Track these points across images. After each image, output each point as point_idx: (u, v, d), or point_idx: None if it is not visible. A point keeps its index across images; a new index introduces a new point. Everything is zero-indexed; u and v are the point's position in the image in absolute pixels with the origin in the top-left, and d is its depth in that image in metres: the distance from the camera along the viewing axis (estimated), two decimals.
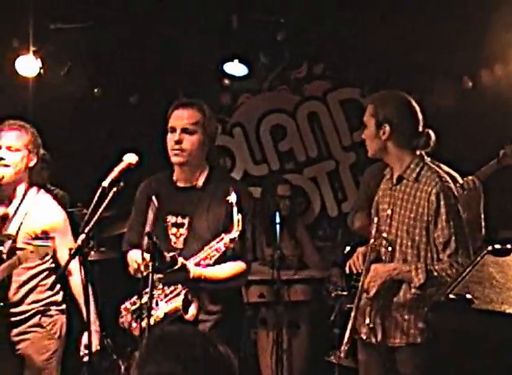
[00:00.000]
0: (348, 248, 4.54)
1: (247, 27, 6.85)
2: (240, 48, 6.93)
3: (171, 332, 2.33)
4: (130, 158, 3.88)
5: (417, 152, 4.07)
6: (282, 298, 5.91)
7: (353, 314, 4.08)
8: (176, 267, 3.89)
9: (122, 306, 4.22)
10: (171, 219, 4.19)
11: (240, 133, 7.45)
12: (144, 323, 3.90)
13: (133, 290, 4.10)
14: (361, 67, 6.91)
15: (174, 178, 4.25)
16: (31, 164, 4.52)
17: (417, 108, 4.06)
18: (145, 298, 3.97)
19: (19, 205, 4.48)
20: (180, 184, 4.24)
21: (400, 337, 4.04)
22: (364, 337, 4.13)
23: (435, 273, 3.89)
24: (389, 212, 4.10)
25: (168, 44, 7.13)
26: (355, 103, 7.09)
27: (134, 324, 4.09)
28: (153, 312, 3.97)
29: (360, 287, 4.07)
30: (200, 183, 4.19)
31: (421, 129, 4.06)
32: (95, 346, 4.34)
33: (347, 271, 4.25)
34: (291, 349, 6.05)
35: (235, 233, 3.94)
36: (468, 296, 3.77)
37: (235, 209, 3.92)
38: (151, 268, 3.74)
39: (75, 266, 3.95)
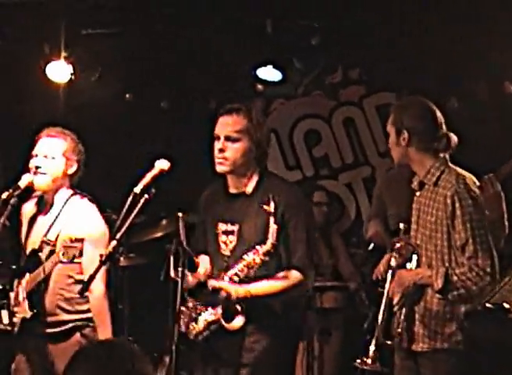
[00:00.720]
0: (371, 246, 4.49)
1: (281, 32, 6.80)
2: (274, 53, 6.88)
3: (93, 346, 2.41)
4: (162, 164, 3.84)
5: (441, 155, 4.05)
6: (315, 305, 5.86)
7: (379, 320, 4.05)
8: (207, 291, 3.88)
9: (182, 308, 4.06)
10: (221, 226, 4.13)
11: (273, 138, 7.39)
12: (193, 327, 3.93)
13: (161, 295, 4.04)
14: (397, 72, 6.84)
15: (227, 185, 4.17)
16: (70, 171, 4.48)
17: (437, 112, 4.06)
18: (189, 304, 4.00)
19: (60, 211, 4.46)
20: (232, 191, 4.16)
21: (427, 343, 3.98)
22: (394, 342, 4.08)
23: (455, 278, 3.85)
24: (415, 218, 4.10)
25: (201, 49, 7.10)
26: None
27: (191, 326, 4.02)
28: (200, 317, 3.97)
29: (386, 293, 4.06)
30: (249, 189, 4.09)
31: (441, 132, 4.03)
32: None
33: (374, 278, 4.30)
34: (322, 356, 6.04)
35: (268, 246, 3.84)
36: (506, 305, 3.70)
37: (272, 219, 3.83)
38: (180, 274, 3.70)
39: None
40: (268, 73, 6.88)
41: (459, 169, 4.05)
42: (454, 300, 3.91)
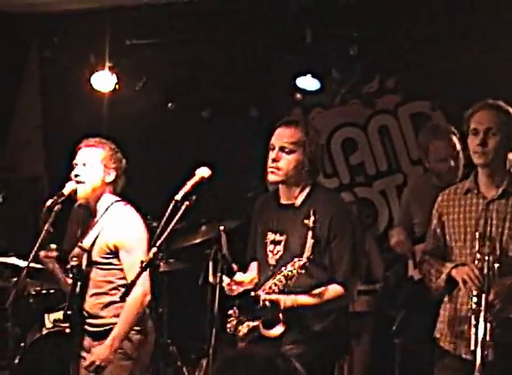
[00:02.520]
0: None
1: (320, 42, 6.87)
2: (312, 62, 6.96)
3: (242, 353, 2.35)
4: (203, 172, 3.90)
5: None
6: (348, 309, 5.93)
7: (481, 335, 3.80)
8: (259, 306, 3.88)
9: (230, 311, 4.18)
10: (270, 236, 4.16)
11: None
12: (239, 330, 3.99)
13: (200, 299, 4.16)
14: (432, 80, 6.85)
15: (279, 195, 4.22)
16: (109, 179, 4.54)
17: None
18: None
19: (99, 218, 4.53)
20: (283, 201, 4.20)
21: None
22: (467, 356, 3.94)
23: None
24: (489, 227, 3.95)
25: (242, 59, 7.20)
26: (424, 116, 7.07)
27: (239, 328, 4.08)
28: (245, 322, 4.03)
29: (485, 305, 3.82)
30: (298, 201, 4.11)
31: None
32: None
33: (463, 289, 3.95)
34: (353, 358, 6.08)
35: (304, 260, 3.85)
36: None
37: (310, 234, 3.85)
38: (218, 280, 3.80)
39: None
40: (307, 83, 6.98)
41: None
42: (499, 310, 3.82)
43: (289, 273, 3.90)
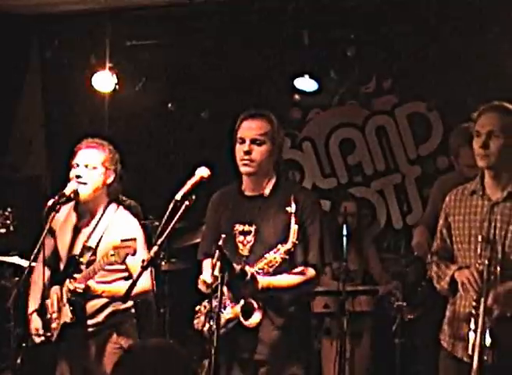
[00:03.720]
0: None
1: (318, 43, 6.93)
2: (310, 63, 6.99)
3: (136, 349, 2.41)
4: (202, 171, 3.91)
5: None
6: (347, 308, 5.97)
7: (478, 339, 3.79)
8: (247, 279, 3.91)
9: (197, 308, 4.26)
10: (238, 227, 4.19)
11: (310, 147, 7.54)
12: (212, 327, 3.87)
13: (200, 299, 4.20)
14: (428, 81, 6.92)
15: (242, 187, 4.27)
16: (109, 181, 4.57)
17: None
18: (214, 302, 3.99)
19: (100, 219, 4.55)
20: (248, 193, 4.24)
21: None
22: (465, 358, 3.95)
23: None
24: (493, 230, 3.91)
25: (240, 61, 7.25)
26: (421, 117, 7.13)
27: (207, 326, 4.11)
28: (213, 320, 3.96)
29: (483, 310, 3.80)
30: (267, 191, 4.19)
31: None
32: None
33: (462, 292, 3.95)
34: (354, 358, 6.13)
35: (289, 244, 3.96)
36: None
37: (293, 220, 3.95)
38: (220, 280, 3.77)
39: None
40: (305, 83, 7.02)
41: None
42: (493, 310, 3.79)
43: (273, 259, 3.99)
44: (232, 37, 7.13)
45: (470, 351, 3.81)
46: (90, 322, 4.52)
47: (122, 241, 4.17)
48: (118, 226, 4.51)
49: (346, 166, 7.49)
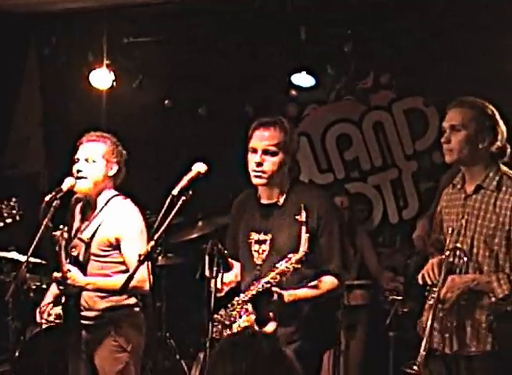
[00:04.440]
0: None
1: (315, 39, 6.92)
2: (307, 59, 6.99)
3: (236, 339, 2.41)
4: (199, 167, 3.92)
5: (498, 161, 4.00)
6: (342, 302, 6.00)
7: (429, 326, 3.93)
8: (274, 298, 3.89)
9: (215, 316, 4.09)
10: (254, 236, 4.16)
11: (306, 142, 7.54)
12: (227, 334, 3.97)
13: (197, 293, 4.19)
14: (426, 77, 6.91)
15: (258, 195, 4.22)
16: (111, 173, 4.58)
17: (499, 120, 4.00)
18: (229, 310, 4.03)
19: (99, 212, 4.57)
20: (263, 201, 4.19)
21: (477, 345, 3.92)
22: (437, 347, 4.03)
23: None
24: (463, 221, 3.99)
25: (237, 57, 7.26)
26: (418, 112, 7.14)
27: (225, 333, 4.07)
28: (234, 324, 4.02)
29: (437, 298, 3.92)
30: (281, 200, 4.13)
31: (503, 140, 3.99)
32: None
33: (421, 282, 4.07)
34: (348, 351, 6.16)
35: (300, 254, 3.87)
36: None
37: (303, 229, 3.87)
38: (215, 273, 3.79)
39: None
40: (302, 79, 7.01)
41: None
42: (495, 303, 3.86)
43: (285, 269, 3.90)
44: (230, 33, 7.13)
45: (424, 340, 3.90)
46: (88, 314, 4.54)
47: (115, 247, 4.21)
48: (117, 219, 4.52)
49: (343, 161, 7.49)
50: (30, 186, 7.40)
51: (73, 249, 4.49)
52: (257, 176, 4.08)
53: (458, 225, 4.01)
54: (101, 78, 7.16)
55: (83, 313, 4.53)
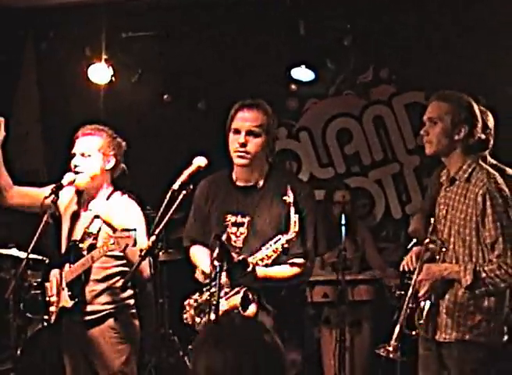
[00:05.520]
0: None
1: (314, 33, 6.91)
2: (307, 53, 6.99)
3: (222, 323, 2.38)
4: (200, 161, 3.95)
5: (474, 153, 4.08)
6: (346, 297, 5.98)
7: (403, 311, 4.12)
8: (249, 270, 3.92)
9: (186, 302, 4.24)
10: (231, 218, 4.18)
11: (307, 137, 7.51)
12: (207, 318, 3.94)
13: (198, 289, 4.20)
14: (427, 71, 6.89)
15: (234, 177, 4.25)
16: (108, 166, 4.59)
17: (477, 111, 4.07)
18: (205, 295, 4.06)
19: (100, 207, 4.56)
20: (240, 183, 4.23)
21: (450, 334, 4.04)
22: (418, 333, 4.17)
23: (484, 275, 3.88)
24: (443, 212, 4.12)
25: (237, 51, 7.24)
26: (419, 106, 7.06)
27: (197, 319, 4.13)
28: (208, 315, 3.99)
29: (412, 285, 4.11)
30: (260, 182, 4.18)
31: (482, 132, 4.09)
32: None
33: (401, 269, 4.27)
34: (353, 347, 6.14)
35: (291, 234, 3.93)
36: None
37: (292, 209, 3.92)
38: (218, 269, 3.79)
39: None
40: (302, 73, 7.00)
41: (489, 168, 4.06)
42: (482, 295, 3.95)
43: (275, 249, 3.97)
44: (229, 27, 7.11)
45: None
46: (88, 308, 4.54)
47: (123, 230, 4.16)
48: (120, 214, 4.51)
49: (344, 155, 7.46)
50: (28, 181, 7.39)
51: (81, 244, 4.51)
52: (240, 156, 4.12)
53: (440, 215, 4.15)
54: (100, 73, 7.14)
55: (86, 308, 4.54)
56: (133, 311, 4.67)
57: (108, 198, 4.59)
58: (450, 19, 6.63)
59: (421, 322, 4.11)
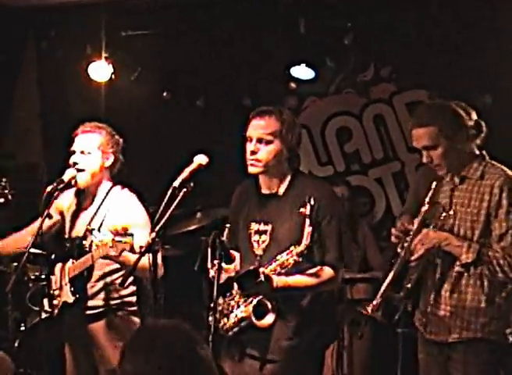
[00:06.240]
0: None
1: (314, 31, 6.90)
2: (307, 51, 6.99)
3: (150, 328, 2.34)
4: (201, 159, 3.95)
5: (481, 152, 4.07)
6: (345, 296, 5.97)
7: (393, 272, 4.01)
8: (260, 279, 3.87)
9: (211, 305, 4.11)
10: (254, 226, 4.16)
11: (306, 135, 7.50)
12: (224, 322, 3.99)
13: (195, 286, 4.20)
14: (427, 69, 6.89)
15: (259, 185, 4.23)
16: (107, 164, 4.61)
17: (460, 111, 4.03)
18: (219, 300, 4.02)
19: (102, 201, 4.59)
20: (264, 191, 4.19)
21: (460, 333, 3.99)
22: (420, 330, 4.14)
23: (486, 258, 3.87)
24: (451, 212, 4.05)
25: (236, 49, 7.25)
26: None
27: (222, 322, 4.08)
28: (231, 314, 4.03)
29: (407, 247, 3.99)
30: (281, 190, 4.12)
31: (473, 131, 4.04)
32: None
33: (393, 239, 4.11)
34: (352, 346, 6.12)
35: (302, 247, 3.87)
36: None
37: (307, 221, 3.86)
38: (217, 267, 3.81)
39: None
40: (301, 72, 6.99)
41: (500, 165, 4.07)
42: (474, 278, 3.94)
43: (285, 261, 3.92)
44: (228, 25, 7.12)
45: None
46: (89, 303, 4.57)
47: (123, 234, 4.14)
48: (122, 209, 4.54)
49: (343, 154, 7.47)
50: (28, 177, 7.42)
51: (84, 240, 4.51)
52: (251, 165, 4.09)
53: (447, 215, 4.08)
54: (100, 71, 7.15)
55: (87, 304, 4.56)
56: (134, 308, 4.67)
57: (107, 193, 4.61)
58: (452, 16, 6.62)
59: (408, 286, 4.05)
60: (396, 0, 6.95)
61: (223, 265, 3.99)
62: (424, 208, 4.06)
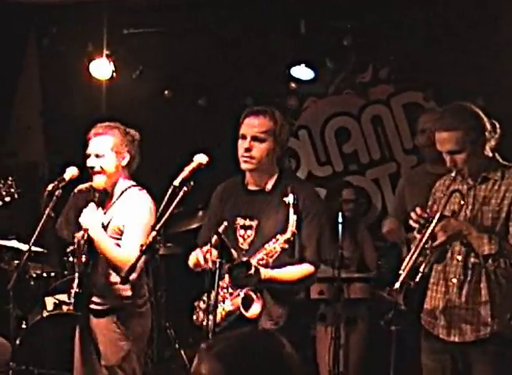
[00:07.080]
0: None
1: (314, 33, 6.95)
2: (307, 52, 7.03)
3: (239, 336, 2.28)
4: (201, 158, 3.99)
5: (491, 154, 4.08)
6: (342, 295, 6.01)
7: (413, 258, 3.87)
8: (251, 271, 3.94)
9: (196, 303, 4.29)
10: (240, 221, 4.24)
11: (306, 135, 7.56)
12: (209, 319, 3.92)
13: (197, 283, 4.23)
14: (425, 71, 6.93)
15: (245, 181, 4.32)
16: (124, 163, 4.60)
17: (481, 114, 4.04)
18: (212, 296, 3.98)
19: (116, 200, 4.60)
20: (251, 188, 4.30)
21: (476, 330, 3.99)
22: (439, 335, 4.10)
23: (505, 252, 3.87)
24: (467, 212, 4.05)
25: (237, 49, 7.27)
26: (417, 107, 7.12)
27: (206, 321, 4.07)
28: (218, 310, 4.04)
29: (429, 233, 3.89)
30: (269, 186, 4.23)
31: (492, 134, 4.04)
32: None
33: (412, 223, 4.01)
34: (348, 344, 6.16)
35: (288, 234, 3.99)
36: None
37: (291, 210, 3.97)
38: (218, 265, 3.82)
39: None
40: (301, 72, 7.04)
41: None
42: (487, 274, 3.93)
43: (272, 250, 4.03)
44: (230, 25, 7.15)
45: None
46: (96, 299, 4.59)
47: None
48: (130, 208, 4.53)
49: (342, 154, 7.51)
50: (29, 175, 7.43)
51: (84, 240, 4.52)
52: (245, 162, 4.20)
53: (462, 216, 4.06)
54: (101, 68, 7.17)
55: (93, 298, 4.58)
56: (141, 310, 4.65)
57: (123, 192, 4.60)
58: (451, 18, 6.66)
59: (425, 271, 3.94)
60: (396, 2, 6.98)
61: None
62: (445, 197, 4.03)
